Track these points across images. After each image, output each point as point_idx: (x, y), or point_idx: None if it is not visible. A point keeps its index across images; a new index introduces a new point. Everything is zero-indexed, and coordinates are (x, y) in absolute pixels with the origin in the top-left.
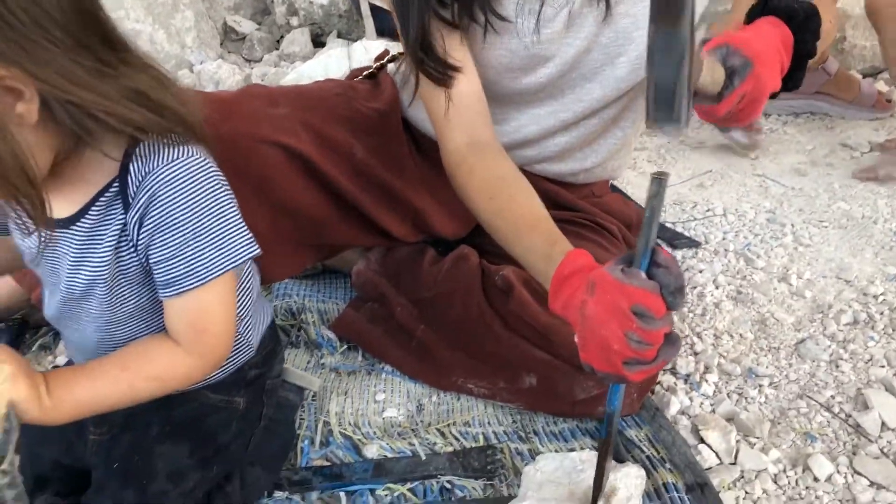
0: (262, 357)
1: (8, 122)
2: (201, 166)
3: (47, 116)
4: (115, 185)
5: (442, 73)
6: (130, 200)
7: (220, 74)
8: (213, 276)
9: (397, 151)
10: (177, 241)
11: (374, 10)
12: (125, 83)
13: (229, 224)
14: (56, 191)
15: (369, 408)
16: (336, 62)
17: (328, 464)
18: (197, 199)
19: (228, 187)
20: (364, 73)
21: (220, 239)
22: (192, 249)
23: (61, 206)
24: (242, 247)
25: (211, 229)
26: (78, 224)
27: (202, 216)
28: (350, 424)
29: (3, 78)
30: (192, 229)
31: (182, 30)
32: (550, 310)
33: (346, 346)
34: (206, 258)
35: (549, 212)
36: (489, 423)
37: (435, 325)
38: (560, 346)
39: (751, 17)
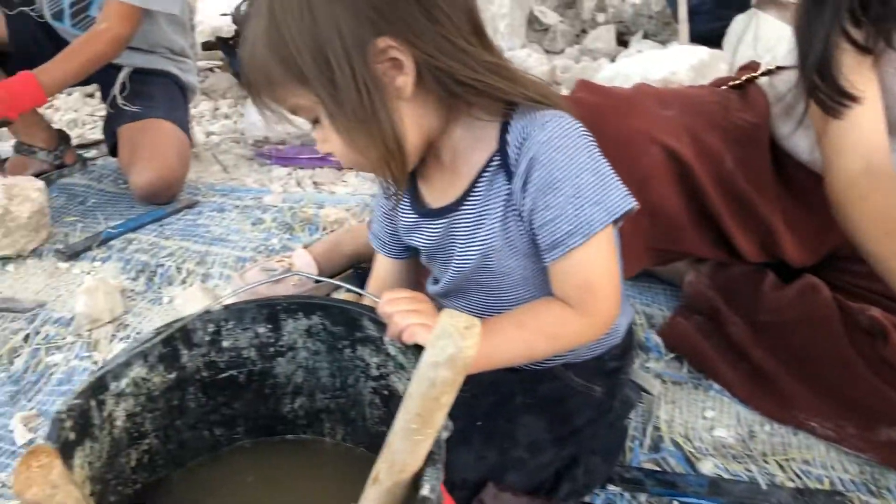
0: (621, 349)
1: (390, 92)
2: (572, 126)
3: (420, 93)
4: (496, 158)
5: (836, 102)
6: (513, 169)
7: (529, 63)
8: (596, 230)
9: (761, 167)
10: (559, 201)
11: (692, 14)
12: (486, 58)
13: (605, 178)
14: (441, 181)
15: (698, 422)
16: (653, 64)
17: (658, 469)
18: (573, 156)
19: (597, 145)
20: (730, 84)
21: (599, 193)
22: (574, 206)
23: (447, 193)
24: (621, 199)
25: (589, 184)
26: (465, 205)
27: (580, 173)
28: (680, 435)
29: (389, 48)
30: (573, 186)
31: (497, 15)
32: None
33: (671, 355)
34: (587, 213)
35: None
36: (833, 466)
37: (774, 352)
38: None
39: None
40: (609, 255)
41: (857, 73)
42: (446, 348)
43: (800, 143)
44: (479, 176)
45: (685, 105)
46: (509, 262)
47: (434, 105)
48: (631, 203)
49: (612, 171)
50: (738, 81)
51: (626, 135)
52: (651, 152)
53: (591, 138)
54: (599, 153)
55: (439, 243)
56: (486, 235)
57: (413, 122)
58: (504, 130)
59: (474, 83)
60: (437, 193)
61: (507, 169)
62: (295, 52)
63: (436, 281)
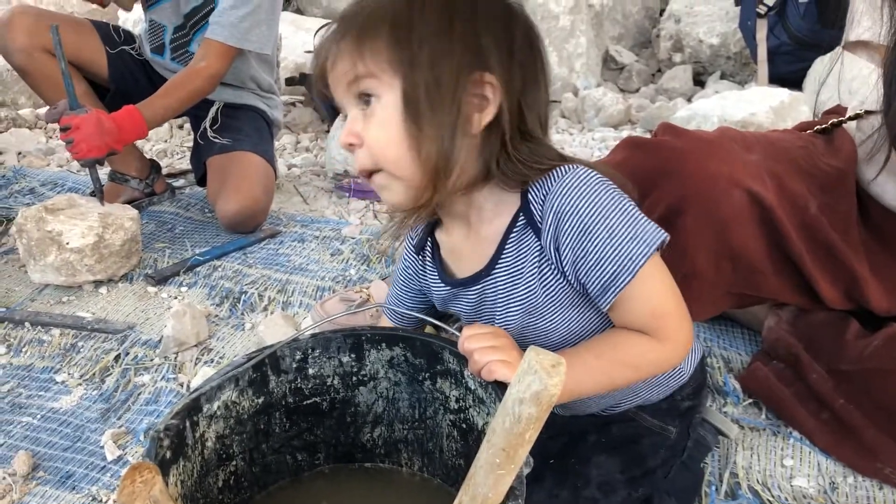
0: (693, 389)
1: (464, 119)
2: (589, 174)
3: (481, 137)
4: (521, 218)
5: None
6: (539, 225)
7: (604, 101)
8: (640, 264)
9: (846, 213)
10: (596, 246)
11: (772, 55)
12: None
13: (633, 215)
14: (466, 249)
15: (777, 471)
16: (732, 104)
17: None
18: (597, 201)
19: (617, 187)
20: (816, 129)
21: (632, 229)
22: (612, 247)
23: (475, 261)
24: (654, 231)
25: (620, 223)
26: (497, 268)
27: (608, 214)
28: (759, 483)
29: (487, 84)
30: (605, 229)
31: (573, 55)
32: None
33: (749, 400)
34: (627, 250)
35: None
36: None
37: (858, 403)
38: None
39: None
40: (664, 279)
41: None
42: (532, 385)
43: (888, 189)
44: (506, 239)
45: (769, 149)
46: (553, 316)
47: (479, 156)
48: (663, 235)
49: (636, 209)
50: (823, 126)
51: (709, 178)
52: (733, 196)
53: (610, 183)
54: (620, 194)
55: (476, 309)
56: (525, 294)
57: (467, 159)
58: (525, 191)
59: (524, 148)
60: (463, 263)
61: (533, 226)
62: (415, 40)
63: None
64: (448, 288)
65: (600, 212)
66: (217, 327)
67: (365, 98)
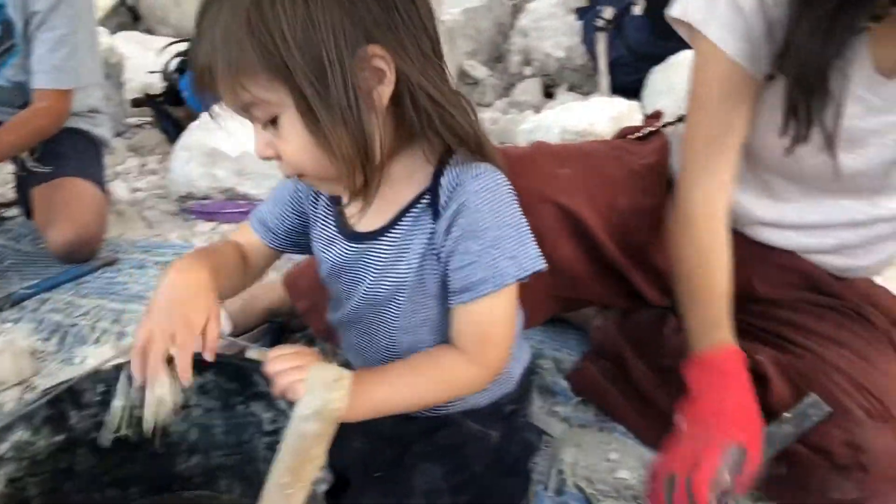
0: (518, 394)
1: (365, 101)
2: (502, 182)
3: (392, 108)
4: (426, 197)
5: None
6: (441, 210)
7: None
8: (507, 281)
9: (655, 208)
10: (478, 249)
11: (613, 67)
12: (451, 86)
13: (524, 236)
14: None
15: (601, 465)
16: (573, 115)
17: None
18: (499, 210)
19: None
20: (636, 135)
21: (516, 248)
22: (491, 256)
23: (372, 219)
24: (534, 258)
25: (509, 238)
26: (387, 235)
27: (502, 226)
28: (584, 478)
29: (376, 57)
30: (493, 238)
31: None
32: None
33: (578, 399)
34: (502, 265)
35: (812, 296)
36: None
37: (678, 396)
38: (817, 442)
39: None
40: (510, 311)
41: None
42: (313, 402)
43: None
44: (407, 210)
45: (582, 161)
46: (418, 300)
47: (391, 127)
48: (542, 264)
49: (529, 231)
50: (641, 133)
51: (519, 194)
52: (543, 210)
53: (516, 196)
54: (521, 212)
55: (349, 266)
56: (403, 271)
57: (380, 133)
58: (439, 173)
59: (439, 109)
60: (367, 217)
61: (434, 209)
62: (282, 45)
63: (337, 307)
64: (334, 232)
65: (497, 220)
66: (44, 364)
67: (268, 118)
